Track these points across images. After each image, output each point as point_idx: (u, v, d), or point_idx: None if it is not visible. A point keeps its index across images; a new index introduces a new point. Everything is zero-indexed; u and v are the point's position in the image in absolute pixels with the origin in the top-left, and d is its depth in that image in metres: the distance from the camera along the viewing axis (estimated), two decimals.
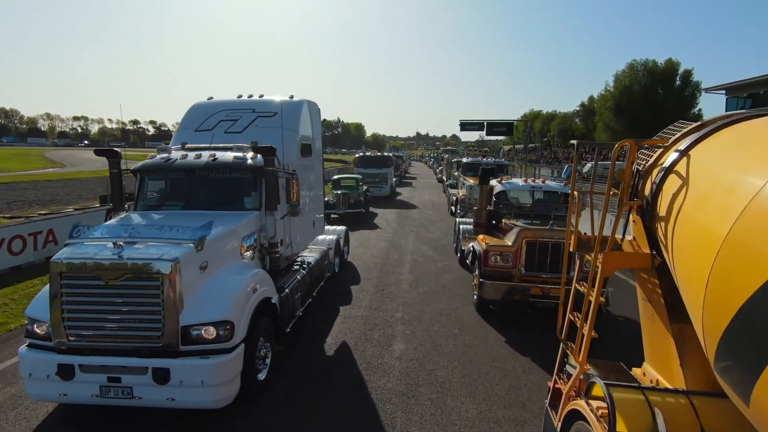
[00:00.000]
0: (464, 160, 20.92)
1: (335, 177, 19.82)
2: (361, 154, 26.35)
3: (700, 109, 59.04)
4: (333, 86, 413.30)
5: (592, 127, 70.77)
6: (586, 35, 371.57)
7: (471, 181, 17.28)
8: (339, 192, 17.98)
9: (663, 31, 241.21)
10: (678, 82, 59.00)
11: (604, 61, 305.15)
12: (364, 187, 20.97)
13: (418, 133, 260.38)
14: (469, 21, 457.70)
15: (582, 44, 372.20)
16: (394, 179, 29.93)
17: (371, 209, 21.48)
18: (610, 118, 61.18)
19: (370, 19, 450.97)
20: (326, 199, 18.77)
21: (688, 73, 58.82)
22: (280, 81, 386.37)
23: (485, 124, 29.70)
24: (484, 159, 20.10)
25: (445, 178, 30.62)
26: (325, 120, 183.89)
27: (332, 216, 18.13)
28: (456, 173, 26.17)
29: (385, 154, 27.58)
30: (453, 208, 19.73)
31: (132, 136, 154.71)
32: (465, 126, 30.13)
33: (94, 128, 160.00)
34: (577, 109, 75.50)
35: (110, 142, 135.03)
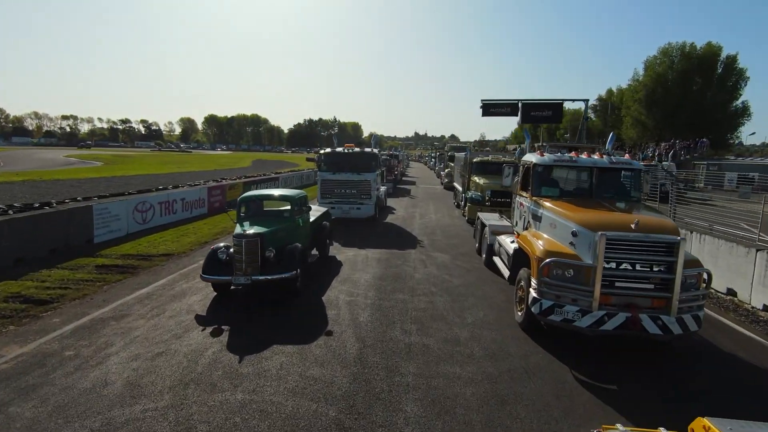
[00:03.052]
0: (533, 158, 7.62)
1: (245, 195, 8.52)
2: (329, 150, 15.42)
3: (745, 101, 48.61)
4: (330, 85, 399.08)
5: (611, 122, 60.50)
6: (589, 29, 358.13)
7: (566, 217, 6.34)
8: (247, 231, 7.30)
9: (689, 15, 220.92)
10: (719, 70, 48.41)
11: (613, 56, 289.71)
12: (312, 214, 9.84)
13: (416, 133, 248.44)
14: (466, 21, 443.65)
15: (584, 39, 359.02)
16: (384, 188, 19.29)
17: (336, 248, 11.01)
18: (639, 111, 50.57)
19: (368, 18, 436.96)
20: (221, 245, 8.30)
21: (731, 59, 48.20)
22: (274, 77, 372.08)
23: (519, 105, 19.14)
24: (582, 156, 7.23)
25: (459, 187, 19.95)
26: (320, 119, 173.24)
27: (232, 287, 7.61)
28: (483, 182, 15.52)
29: (367, 150, 15.20)
30: (500, 260, 9.15)
31: (121, 135, 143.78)
32: (489, 108, 19.58)
33: (84, 127, 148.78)
34: (595, 103, 65.00)
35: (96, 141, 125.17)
